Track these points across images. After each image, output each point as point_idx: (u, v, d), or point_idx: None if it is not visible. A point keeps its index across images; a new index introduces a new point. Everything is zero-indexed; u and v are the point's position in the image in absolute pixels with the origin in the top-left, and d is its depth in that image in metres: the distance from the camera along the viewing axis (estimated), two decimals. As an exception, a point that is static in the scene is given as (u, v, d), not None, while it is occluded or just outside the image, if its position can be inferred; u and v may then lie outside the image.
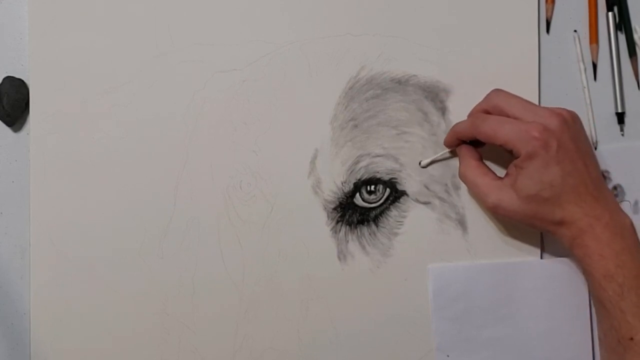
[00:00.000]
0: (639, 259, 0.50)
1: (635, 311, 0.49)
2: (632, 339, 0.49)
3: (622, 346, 0.49)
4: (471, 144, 0.55)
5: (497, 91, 0.54)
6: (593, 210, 0.50)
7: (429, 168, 0.57)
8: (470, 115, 0.55)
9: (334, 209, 0.57)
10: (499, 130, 0.51)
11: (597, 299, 0.51)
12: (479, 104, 0.55)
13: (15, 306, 0.56)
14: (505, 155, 0.54)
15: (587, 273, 0.51)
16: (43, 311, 0.56)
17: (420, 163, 0.57)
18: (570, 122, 0.52)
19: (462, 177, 0.55)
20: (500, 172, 0.55)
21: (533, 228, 0.54)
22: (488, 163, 0.56)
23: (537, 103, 0.57)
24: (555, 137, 0.50)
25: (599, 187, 0.52)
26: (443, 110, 0.57)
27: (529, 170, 0.50)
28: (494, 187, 0.52)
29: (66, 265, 0.56)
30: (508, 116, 0.52)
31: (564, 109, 0.52)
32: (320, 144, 0.57)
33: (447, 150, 0.56)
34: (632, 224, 0.52)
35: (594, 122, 0.58)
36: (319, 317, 0.57)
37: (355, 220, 0.57)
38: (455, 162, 0.57)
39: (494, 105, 0.53)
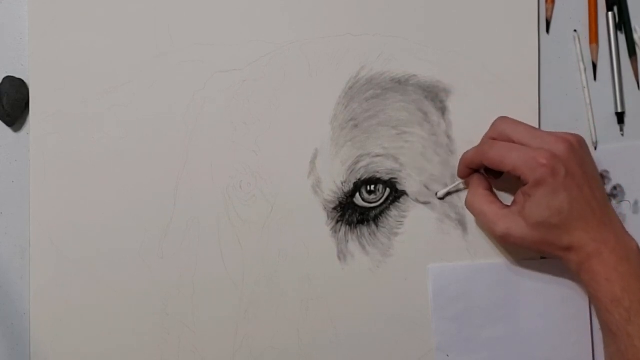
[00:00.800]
0: None
1: None
2: None
3: None
4: (487, 173, 0.55)
5: (502, 119, 0.54)
6: (600, 235, 0.51)
7: (429, 167, 0.57)
8: (479, 144, 0.55)
9: (334, 208, 0.57)
10: (506, 157, 0.52)
11: (604, 324, 0.51)
12: (487, 133, 0.55)
13: (15, 306, 0.56)
14: (514, 184, 0.54)
15: (594, 298, 0.51)
16: (43, 311, 0.56)
17: (437, 194, 0.57)
18: (577, 147, 0.52)
19: (469, 205, 0.55)
20: (510, 200, 0.55)
21: (540, 254, 0.54)
22: (498, 193, 0.56)
23: (537, 103, 0.57)
24: (563, 164, 0.50)
25: (606, 211, 0.52)
26: (443, 110, 0.57)
27: (537, 197, 0.50)
28: (502, 216, 0.52)
29: (66, 265, 0.56)
30: (515, 143, 0.52)
31: (570, 134, 0.52)
32: (320, 144, 0.57)
33: (461, 181, 0.56)
34: (637, 248, 0.52)
35: (594, 122, 0.58)
36: (319, 317, 0.57)
37: (355, 220, 0.57)
38: (455, 162, 0.57)
39: (500, 133, 0.53)
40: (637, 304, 0.49)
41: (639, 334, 0.49)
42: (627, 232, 0.52)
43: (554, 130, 0.54)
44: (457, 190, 0.57)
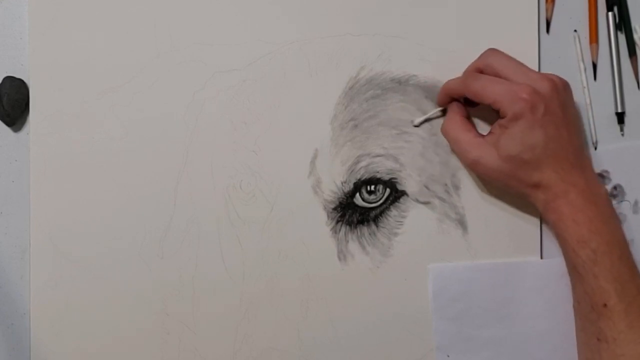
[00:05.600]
0: (613, 226, 0.51)
1: (608, 276, 0.49)
2: (605, 305, 0.49)
3: (596, 312, 0.50)
4: (466, 103, 0.55)
5: (492, 50, 0.55)
6: (570, 177, 0.51)
7: (429, 167, 0.57)
8: (464, 73, 0.56)
9: (334, 209, 0.57)
10: (488, 89, 0.52)
11: (571, 265, 0.52)
12: (474, 62, 0.55)
13: (15, 306, 0.56)
14: (493, 117, 0.54)
15: (560, 238, 0.52)
16: (43, 311, 0.56)
17: (412, 122, 0.57)
18: (561, 89, 0.52)
19: (445, 132, 0.55)
20: (485, 132, 0.55)
21: (508, 189, 0.54)
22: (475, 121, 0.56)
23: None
24: (543, 101, 0.51)
25: (579, 156, 0.52)
26: (443, 110, 0.57)
27: (513, 130, 0.51)
28: (476, 144, 0.53)
29: (66, 265, 0.56)
30: (500, 77, 0.52)
31: (555, 75, 0.53)
32: (320, 144, 0.57)
33: (439, 108, 0.56)
34: (606, 194, 0.53)
35: (594, 122, 0.58)
36: (319, 317, 0.57)
37: (355, 220, 0.57)
38: (455, 162, 0.57)
39: (487, 64, 0.54)
40: (604, 245, 0.50)
41: (605, 275, 0.49)
42: (597, 179, 0.53)
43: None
44: (436, 117, 0.57)
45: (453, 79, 0.55)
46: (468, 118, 0.55)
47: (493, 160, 0.52)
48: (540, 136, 0.50)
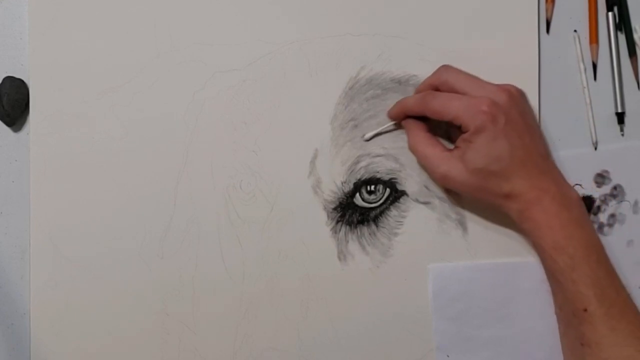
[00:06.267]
0: (588, 230, 0.51)
1: (587, 281, 0.49)
2: (586, 310, 0.49)
3: (578, 318, 0.50)
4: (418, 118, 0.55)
5: (445, 67, 0.55)
6: (540, 183, 0.51)
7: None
8: (418, 90, 0.56)
9: (334, 209, 0.57)
10: (448, 106, 0.52)
11: (549, 272, 0.52)
12: (427, 79, 0.55)
13: (15, 306, 0.56)
14: (451, 130, 0.55)
15: (537, 246, 0.52)
16: (43, 311, 0.56)
17: (363, 136, 0.56)
18: (518, 98, 0.53)
19: (412, 148, 0.55)
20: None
21: (481, 201, 0.54)
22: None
23: (537, 103, 0.57)
24: (503, 112, 0.51)
25: (546, 162, 0.53)
26: (396, 124, 0.57)
27: (477, 143, 0.51)
28: (444, 158, 0.53)
29: (66, 265, 0.56)
30: (457, 92, 0.53)
31: (511, 85, 0.53)
32: (320, 144, 0.57)
33: (392, 122, 0.56)
34: (579, 197, 0.52)
35: (594, 122, 0.58)
36: (319, 317, 0.57)
37: (355, 220, 0.57)
38: (455, 162, 0.57)
39: (443, 82, 0.54)
40: (581, 250, 0.50)
41: (584, 280, 0.49)
42: (568, 183, 0.53)
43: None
44: (387, 131, 0.57)
45: (408, 98, 0.55)
46: (429, 132, 0.55)
47: (461, 174, 0.52)
48: (504, 146, 0.51)
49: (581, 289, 0.49)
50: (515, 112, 0.52)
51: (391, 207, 0.57)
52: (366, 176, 0.57)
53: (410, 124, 0.55)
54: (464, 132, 0.52)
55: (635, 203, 0.58)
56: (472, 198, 0.55)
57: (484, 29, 0.57)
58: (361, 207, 0.57)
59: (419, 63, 0.57)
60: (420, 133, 0.55)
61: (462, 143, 0.52)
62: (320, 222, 0.57)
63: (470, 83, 0.53)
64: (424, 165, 0.55)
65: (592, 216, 0.58)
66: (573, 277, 0.50)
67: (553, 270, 0.51)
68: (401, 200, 0.57)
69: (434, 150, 0.54)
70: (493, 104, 0.51)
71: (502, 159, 0.51)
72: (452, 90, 0.53)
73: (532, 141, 0.52)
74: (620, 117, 0.58)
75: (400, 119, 0.56)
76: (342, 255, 0.57)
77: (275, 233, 0.56)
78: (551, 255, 0.51)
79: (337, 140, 0.57)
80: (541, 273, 0.55)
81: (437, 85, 0.54)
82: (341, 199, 0.57)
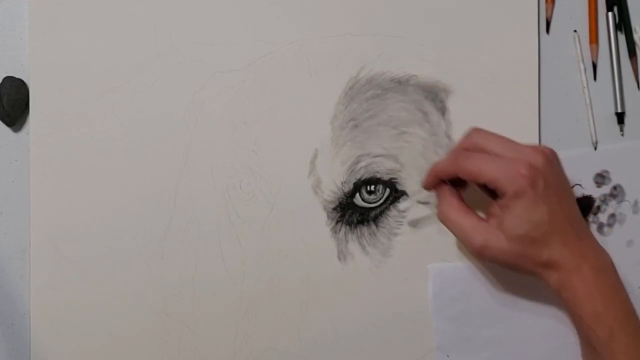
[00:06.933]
0: (624, 297, 0.50)
1: (625, 351, 0.48)
2: None
3: None
4: (452, 184, 0.54)
5: (476, 130, 0.53)
6: (579, 250, 0.49)
7: (429, 167, 0.57)
8: (450, 153, 0.54)
9: (334, 209, 0.57)
10: (483, 168, 0.50)
11: (585, 341, 0.50)
12: (459, 142, 0.53)
13: (15, 306, 0.56)
14: (479, 197, 0.54)
15: (575, 315, 0.50)
16: (43, 311, 0.56)
17: (408, 222, 0.57)
18: (553, 160, 0.51)
19: (444, 217, 0.53)
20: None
21: (517, 271, 0.51)
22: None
23: (537, 103, 0.57)
24: (542, 175, 0.49)
25: (581, 225, 0.51)
26: (443, 110, 0.57)
27: (516, 209, 0.49)
28: (480, 228, 0.50)
29: (66, 265, 0.56)
30: (490, 155, 0.51)
31: (544, 146, 0.52)
32: (320, 144, 0.57)
33: (430, 213, 0.56)
34: (611, 261, 0.51)
35: (594, 122, 0.58)
36: (319, 317, 0.57)
37: (355, 220, 0.57)
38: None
39: (474, 144, 0.52)
40: (619, 319, 0.49)
41: (623, 350, 0.48)
42: (602, 247, 0.51)
43: (539, 145, 0.54)
44: (426, 216, 0.56)
45: (441, 161, 0.54)
46: (462, 200, 0.53)
47: (501, 243, 0.49)
48: (544, 211, 0.49)
49: (619, 359, 0.48)
50: (552, 175, 0.50)
51: (391, 207, 0.57)
52: (366, 176, 0.57)
53: (442, 190, 0.53)
54: (500, 197, 0.50)
55: (635, 203, 0.58)
56: (507, 268, 0.52)
57: (484, 29, 0.57)
58: (361, 207, 0.57)
59: (419, 63, 0.57)
60: (452, 201, 0.52)
61: (498, 209, 0.50)
62: (320, 222, 0.57)
63: (504, 145, 0.51)
64: (458, 236, 0.52)
65: (592, 216, 0.58)
66: (612, 347, 0.48)
67: (591, 340, 0.49)
68: (401, 200, 0.57)
69: (469, 220, 0.51)
70: (532, 167, 0.49)
71: (542, 225, 0.49)
72: (485, 153, 0.51)
73: (569, 205, 0.51)
74: (620, 117, 0.58)
75: (434, 185, 0.54)
76: (342, 255, 0.57)
77: (275, 233, 0.56)
78: (590, 326, 0.49)
79: (337, 140, 0.57)
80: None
81: (468, 148, 0.52)
82: (341, 199, 0.57)
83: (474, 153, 0.51)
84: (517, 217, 0.49)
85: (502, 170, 0.49)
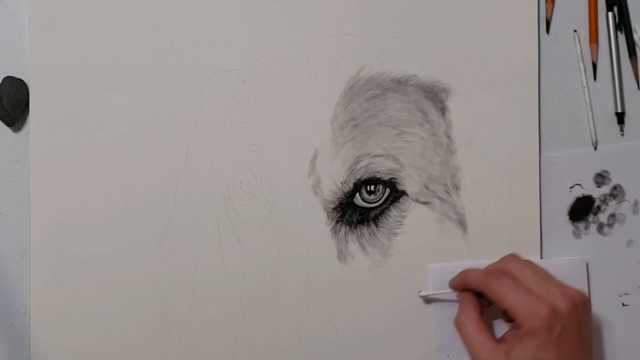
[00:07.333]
0: None
1: None
2: None
3: None
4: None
5: (513, 257, 0.54)
6: None
7: (429, 167, 0.57)
8: (485, 268, 0.54)
9: (334, 209, 0.57)
10: (508, 296, 0.50)
11: None
12: (495, 264, 0.54)
13: (15, 306, 0.56)
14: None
15: None
16: (43, 311, 0.56)
17: (419, 292, 0.56)
18: (580, 308, 0.50)
19: (458, 325, 0.53)
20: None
21: None
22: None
23: (537, 103, 0.57)
24: (561, 322, 0.49)
25: None
26: (443, 110, 0.57)
27: (526, 345, 0.49)
28: (489, 348, 0.50)
29: (66, 265, 0.56)
30: (520, 284, 0.51)
31: (577, 291, 0.51)
32: (320, 144, 0.57)
33: (453, 292, 0.56)
34: None
35: (593, 122, 0.58)
36: (319, 317, 0.57)
37: (355, 220, 0.57)
38: (455, 162, 0.57)
39: (507, 271, 0.52)
40: None
41: None
42: None
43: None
44: (442, 295, 0.56)
45: (474, 271, 0.54)
46: (481, 314, 0.53)
47: None
48: (553, 356, 0.48)
49: None
50: (573, 323, 0.49)
51: (391, 207, 0.57)
52: (366, 176, 0.57)
53: (467, 299, 0.54)
54: (516, 327, 0.50)
55: (635, 203, 0.58)
56: None
57: (484, 29, 0.57)
58: (361, 207, 0.57)
59: (419, 63, 0.57)
60: (471, 312, 0.53)
61: (512, 339, 0.50)
62: (320, 222, 0.57)
63: (536, 279, 0.51)
64: (466, 347, 0.52)
65: (592, 216, 0.58)
66: None
67: None
68: (401, 200, 0.57)
69: (482, 336, 0.51)
70: (553, 310, 0.49)
71: None
72: (517, 281, 0.51)
73: (582, 356, 0.50)
74: (620, 117, 0.58)
75: (460, 289, 0.55)
76: (342, 255, 0.57)
77: (275, 233, 0.56)
78: None
79: (337, 140, 0.57)
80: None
81: (502, 270, 0.53)
82: (341, 199, 0.57)
83: (505, 277, 0.52)
84: (526, 353, 0.49)
85: (524, 305, 0.50)
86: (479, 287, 0.53)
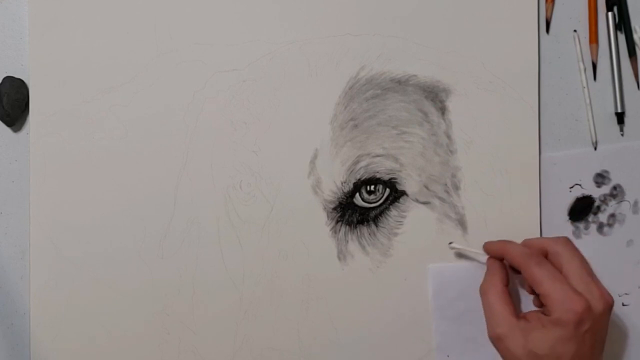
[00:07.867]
0: None
1: None
2: None
3: None
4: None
5: (565, 242, 0.53)
6: None
7: (429, 167, 0.57)
8: (529, 244, 0.54)
9: (334, 209, 0.57)
10: (546, 283, 0.50)
11: None
12: (545, 240, 0.54)
13: (15, 306, 0.56)
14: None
15: None
16: (43, 311, 0.56)
17: (450, 244, 0.57)
18: (609, 311, 0.51)
19: (483, 292, 0.53)
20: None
21: None
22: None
23: (537, 103, 0.57)
24: (591, 321, 0.49)
25: None
26: (443, 110, 0.57)
27: (549, 332, 0.49)
28: (507, 323, 0.51)
29: (66, 265, 0.56)
30: (562, 271, 0.51)
31: (610, 294, 0.51)
32: (320, 144, 0.57)
33: (483, 252, 0.55)
34: None
35: (593, 122, 0.58)
36: (319, 317, 0.57)
37: (355, 220, 0.57)
38: (455, 162, 0.57)
39: (555, 252, 0.52)
40: None
41: None
42: None
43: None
44: (471, 252, 0.56)
45: (515, 246, 0.53)
46: (507, 285, 0.53)
47: (516, 348, 0.50)
48: (571, 350, 0.49)
49: None
50: (600, 325, 0.50)
51: (391, 207, 0.57)
52: (366, 176, 0.57)
53: (494, 268, 0.54)
54: (545, 312, 0.50)
55: (635, 203, 0.58)
56: None
57: (483, 29, 0.57)
58: (361, 207, 0.57)
59: (419, 63, 0.57)
60: (497, 282, 0.53)
61: (536, 320, 0.50)
62: (320, 222, 0.57)
63: (578, 273, 0.51)
64: (486, 314, 0.53)
65: (591, 216, 0.58)
66: None
67: None
68: (401, 200, 0.57)
69: (503, 309, 0.51)
70: (588, 309, 0.49)
71: (560, 359, 0.49)
72: (559, 266, 0.51)
73: (597, 357, 0.50)
74: (620, 117, 0.58)
75: (493, 256, 0.55)
76: (342, 255, 0.57)
77: (275, 233, 0.56)
78: None
79: (337, 140, 0.57)
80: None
81: (549, 252, 0.52)
82: (341, 199, 0.57)
83: (546, 263, 0.51)
84: (546, 339, 0.49)
85: (561, 296, 0.49)
86: (518, 266, 0.52)
